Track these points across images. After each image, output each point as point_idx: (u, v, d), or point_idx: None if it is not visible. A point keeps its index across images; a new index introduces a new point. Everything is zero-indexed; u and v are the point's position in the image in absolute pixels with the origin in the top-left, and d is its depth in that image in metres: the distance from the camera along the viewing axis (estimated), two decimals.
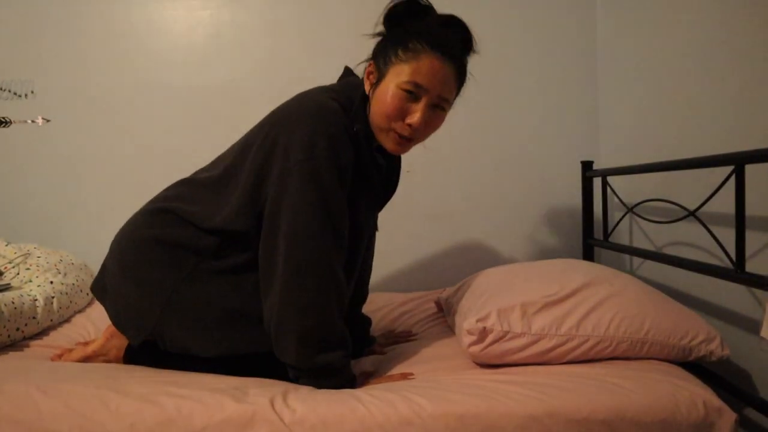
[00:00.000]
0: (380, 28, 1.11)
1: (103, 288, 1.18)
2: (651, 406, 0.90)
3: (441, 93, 1.07)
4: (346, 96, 1.12)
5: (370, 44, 1.14)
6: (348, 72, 1.22)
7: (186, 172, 1.25)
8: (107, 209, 2.00)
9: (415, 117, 1.06)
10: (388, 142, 1.11)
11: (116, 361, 1.17)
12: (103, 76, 1.99)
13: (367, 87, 1.13)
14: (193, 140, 1.98)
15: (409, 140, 1.11)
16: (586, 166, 1.80)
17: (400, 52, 1.05)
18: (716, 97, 1.31)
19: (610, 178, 1.71)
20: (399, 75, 1.05)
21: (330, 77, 1.24)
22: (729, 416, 0.90)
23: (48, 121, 2.01)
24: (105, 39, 1.99)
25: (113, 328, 1.18)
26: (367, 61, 1.15)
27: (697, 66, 1.38)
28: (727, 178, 1.08)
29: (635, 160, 1.64)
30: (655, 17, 1.58)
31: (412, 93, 1.05)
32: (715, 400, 0.92)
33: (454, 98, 1.13)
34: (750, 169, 1.05)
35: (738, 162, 1.04)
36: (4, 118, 2.00)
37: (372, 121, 1.11)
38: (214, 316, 1.06)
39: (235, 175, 1.10)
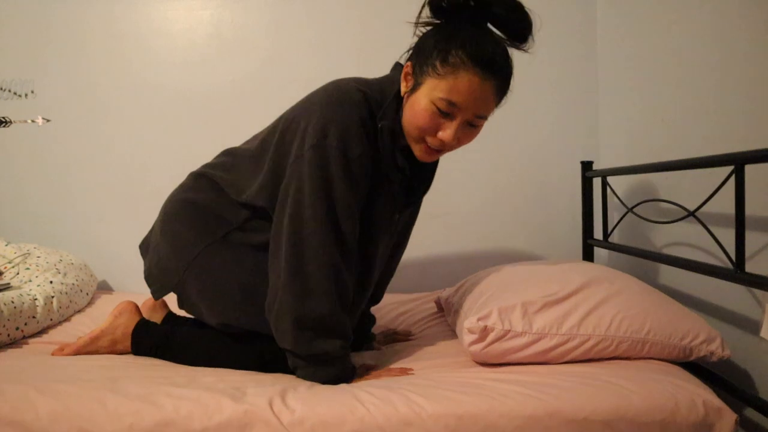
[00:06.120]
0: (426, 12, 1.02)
1: (146, 245, 1.25)
2: (651, 406, 0.89)
3: (477, 112, 1.01)
4: (380, 89, 1.09)
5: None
6: (397, 66, 1.15)
7: (186, 171, 1.25)
8: (107, 209, 2.00)
9: (447, 134, 1.02)
10: (417, 150, 1.08)
11: (123, 339, 1.21)
12: (104, 76, 1.99)
13: (403, 88, 1.07)
14: (194, 140, 1.98)
15: (438, 151, 1.08)
16: (586, 166, 1.80)
17: (438, 65, 0.98)
18: (716, 97, 1.30)
19: (610, 178, 1.70)
20: (434, 89, 0.99)
21: (330, 77, 1.24)
22: (729, 417, 0.90)
23: (48, 121, 2.00)
24: (105, 39, 1.99)
25: (121, 306, 1.24)
26: (409, 55, 1.07)
27: (696, 66, 1.38)
28: (727, 178, 1.08)
29: (635, 160, 1.64)
30: (655, 17, 1.58)
31: (445, 111, 1.00)
32: (715, 401, 0.92)
33: (494, 110, 1.07)
34: (750, 169, 1.05)
35: (738, 162, 1.04)
36: (4, 118, 2.00)
37: (404, 125, 1.07)
38: (230, 288, 1.10)
39: (266, 150, 1.11)
